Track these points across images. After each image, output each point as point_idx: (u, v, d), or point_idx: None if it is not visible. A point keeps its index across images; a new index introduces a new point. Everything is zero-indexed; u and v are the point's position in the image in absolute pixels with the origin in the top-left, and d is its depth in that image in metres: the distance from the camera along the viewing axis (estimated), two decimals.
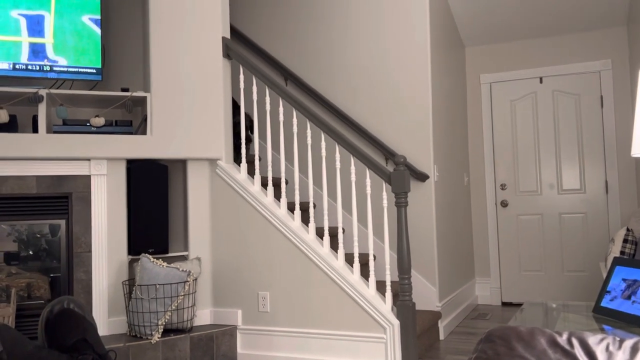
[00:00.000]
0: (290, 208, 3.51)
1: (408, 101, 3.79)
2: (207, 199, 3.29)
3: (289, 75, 4.11)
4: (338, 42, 4.04)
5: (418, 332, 3.02)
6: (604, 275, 2.98)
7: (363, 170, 3.88)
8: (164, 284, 2.88)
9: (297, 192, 3.13)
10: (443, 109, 4.05)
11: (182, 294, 2.92)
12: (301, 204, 3.65)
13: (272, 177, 3.60)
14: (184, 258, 3.27)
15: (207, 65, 3.26)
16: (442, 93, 4.05)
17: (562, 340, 0.82)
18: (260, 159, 3.98)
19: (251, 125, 3.54)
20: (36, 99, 2.88)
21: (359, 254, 3.69)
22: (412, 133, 3.77)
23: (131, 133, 3.17)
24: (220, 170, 3.28)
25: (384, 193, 2.84)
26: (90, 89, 3.30)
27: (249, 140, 3.63)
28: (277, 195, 3.83)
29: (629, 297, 1.53)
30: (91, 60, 3.15)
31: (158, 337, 2.82)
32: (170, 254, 3.21)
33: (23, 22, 2.93)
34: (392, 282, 3.38)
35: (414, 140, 3.77)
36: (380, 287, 3.28)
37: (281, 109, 3.16)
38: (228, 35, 3.36)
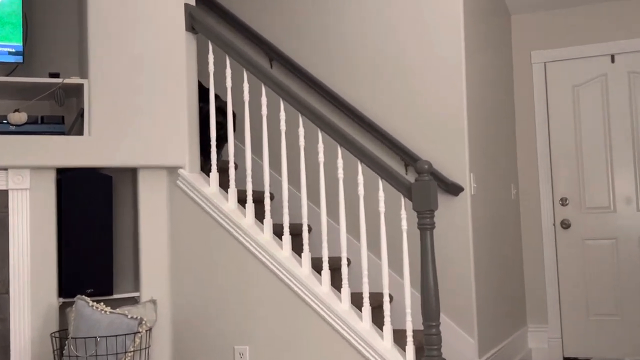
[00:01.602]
0: (278, 232, 3.51)
1: (435, 89, 3.80)
2: (165, 220, 3.30)
3: (275, 55, 4.13)
4: (339, 12, 4.07)
5: None
6: None
7: (374, 181, 3.87)
8: (106, 337, 2.86)
9: (286, 211, 3.11)
10: (481, 98, 4.08)
11: (132, 349, 2.90)
12: (292, 226, 3.66)
13: (253, 191, 3.60)
14: (134, 301, 3.26)
15: (164, 42, 3.28)
16: (480, 77, 4.08)
17: None
18: (236, 167, 4.00)
19: (224, 116, 3.53)
20: None
21: (371, 293, 3.70)
22: (441, 131, 3.78)
23: (63, 133, 3.17)
24: (182, 181, 3.29)
25: (403, 211, 2.82)
26: (8, 74, 3.28)
27: (222, 141, 3.64)
28: (260, 215, 3.83)
29: None
30: (8, 36, 3.14)
31: None
32: (115, 296, 3.21)
33: None
34: (414, 331, 3.38)
35: (442, 140, 3.77)
36: (399, 337, 3.28)
37: (264, 99, 3.15)
38: (193, 2, 3.38)
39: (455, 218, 3.71)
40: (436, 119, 3.80)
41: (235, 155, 3.50)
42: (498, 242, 4.26)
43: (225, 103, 3.54)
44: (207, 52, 3.41)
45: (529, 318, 4.87)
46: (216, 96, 3.49)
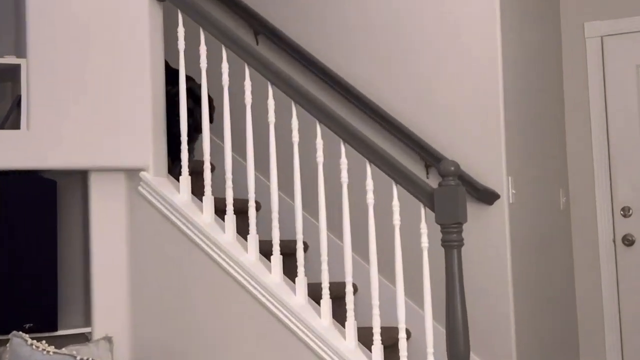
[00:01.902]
0: (266, 251, 3.48)
1: (463, 72, 3.81)
2: (123, 236, 3.30)
3: (262, 29, 4.18)
4: None
5: None
6: None
7: (387, 187, 3.68)
8: None
9: (275, 224, 3.12)
10: (522, 83, 4.08)
11: None
12: (283, 243, 3.62)
13: (235, 199, 3.54)
14: (84, 338, 3.25)
15: (123, 12, 3.28)
16: (521, 55, 4.08)
17: None
18: (213, 168, 3.99)
19: (197, 103, 3.54)
20: None
21: (383, 328, 3.66)
22: (471, 123, 3.79)
23: None
24: (145, 187, 3.29)
25: (423, 224, 2.83)
26: None
27: (195, 133, 3.65)
28: (243, 230, 3.76)
29: None
30: None
31: None
32: (61, 332, 3.19)
33: None
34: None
35: (473, 135, 3.78)
36: None
37: (247, 84, 3.16)
38: None
39: (489, 233, 3.72)
40: (465, 108, 3.81)
41: (212, 154, 3.47)
42: (543, 263, 4.26)
43: (198, 85, 3.57)
44: (176, 25, 3.45)
45: (582, 356, 4.83)
46: (188, 78, 3.53)
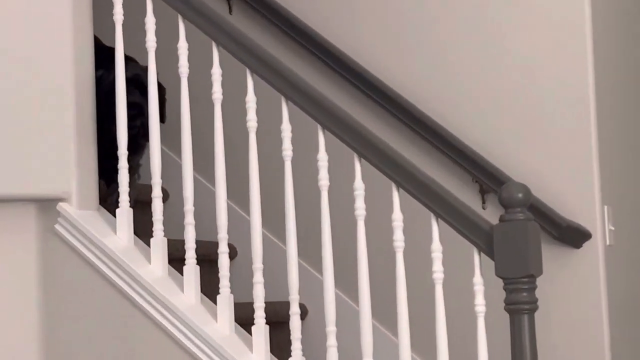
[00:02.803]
0: (243, 318, 3.57)
1: (537, 65, 3.92)
2: (33, 295, 3.35)
3: None
4: None
5: None
6: None
7: (424, 220, 3.85)
8: None
9: (258, 278, 3.15)
10: (620, 83, 4.17)
11: None
12: (271, 307, 3.61)
13: (198, 242, 3.66)
14: None
15: None
16: (617, 51, 4.20)
17: None
18: (166, 196, 4.10)
19: (144, 93, 3.56)
20: None
21: None
22: (548, 134, 3.87)
23: None
24: (66, 225, 3.32)
25: (477, 277, 2.84)
26: None
27: (138, 147, 3.68)
28: (210, 288, 3.86)
29: None
30: None
31: None
32: None
33: None
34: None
35: (551, 149, 3.86)
36: None
37: (216, 71, 3.22)
38: None
39: (577, 288, 3.76)
40: (540, 113, 3.88)
41: (164, 175, 3.49)
42: None
43: (144, 70, 3.61)
44: None
45: None
46: (128, 59, 3.57)
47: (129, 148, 3.52)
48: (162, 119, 3.70)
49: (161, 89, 3.65)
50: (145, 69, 3.61)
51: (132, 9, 4.16)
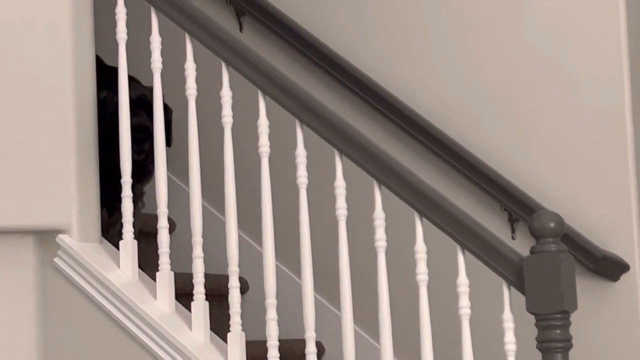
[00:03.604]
0: (254, 356, 3.61)
1: (573, 83, 3.96)
2: (30, 333, 3.37)
3: (247, 8, 4.23)
4: None
5: None
6: None
7: (449, 251, 3.89)
8: None
9: (272, 315, 3.13)
10: None
11: None
12: (286, 345, 3.51)
13: (206, 275, 3.67)
14: None
15: None
16: None
17: None
18: (173, 227, 4.06)
19: (149, 116, 3.62)
20: None
21: None
22: (582, 156, 3.91)
23: None
24: (65, 259, 3.32)
25: (507, 313, 2.80)
26: None
27: (146, 173, 3.71)
28: (219, 324, 3.91)
29: None
30: None
31: None
32: None
33: None
34: None
35: (585, 174, 3.89)
36: None
37: (226, 93, 3.21)
38: None
39: (614, 324, 3.75)
40: (574, 137, 3.93)
41: (170, 204, 3.48)
42: None
43: (149, 90, 3.62)
44: (114, 5, 3.61)
45: None
46: (131, 79, 3.59)
47: (136, 175, 3.56)
48: (169, 142, 3.75)
49: (167, 111, 3.62)
50: (150, 90, 3.62)
51: (137, 28, 4.18)
